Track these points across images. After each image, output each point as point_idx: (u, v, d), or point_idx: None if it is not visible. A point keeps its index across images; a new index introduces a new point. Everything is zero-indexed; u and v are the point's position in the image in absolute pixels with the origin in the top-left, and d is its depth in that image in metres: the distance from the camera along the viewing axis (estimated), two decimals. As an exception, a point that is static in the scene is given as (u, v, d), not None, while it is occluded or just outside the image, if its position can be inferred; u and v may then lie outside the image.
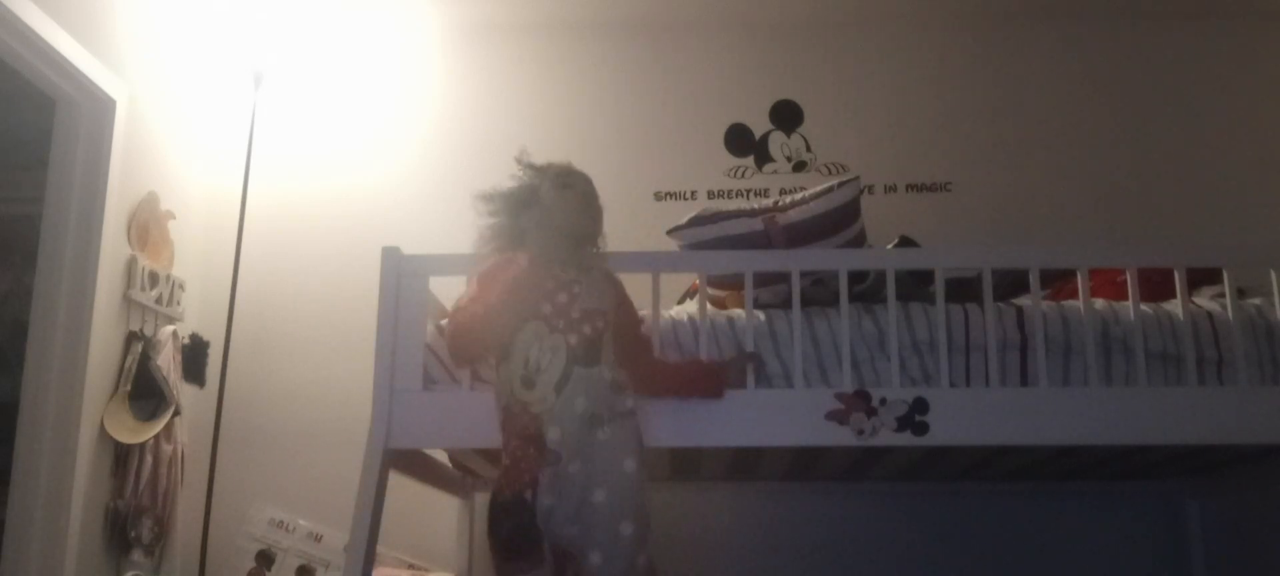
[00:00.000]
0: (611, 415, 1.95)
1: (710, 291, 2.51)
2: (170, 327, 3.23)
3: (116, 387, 3.01)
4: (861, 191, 2.63)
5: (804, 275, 2.30)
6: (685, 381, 2.18)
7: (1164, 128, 3.65)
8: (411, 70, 3.76)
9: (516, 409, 1.95)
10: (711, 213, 2.49)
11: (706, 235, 2.44)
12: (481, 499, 3.21)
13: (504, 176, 3.66)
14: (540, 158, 2.23)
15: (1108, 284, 2.53)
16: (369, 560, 2.09)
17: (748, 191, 3.62)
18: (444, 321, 2.32)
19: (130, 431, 2.99)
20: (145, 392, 3.06)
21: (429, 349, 2.26)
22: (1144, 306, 2.29)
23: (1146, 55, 3.72)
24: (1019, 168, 3.63)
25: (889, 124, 3.68)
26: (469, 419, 2.13)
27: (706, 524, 3.29)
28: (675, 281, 2.86)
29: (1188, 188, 3.58)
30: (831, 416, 2.18)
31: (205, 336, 3.38)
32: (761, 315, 2.30)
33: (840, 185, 2.49)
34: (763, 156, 3.68)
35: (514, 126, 3.69)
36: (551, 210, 2.07)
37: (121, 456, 3.00)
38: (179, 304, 3.31)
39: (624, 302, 2.14)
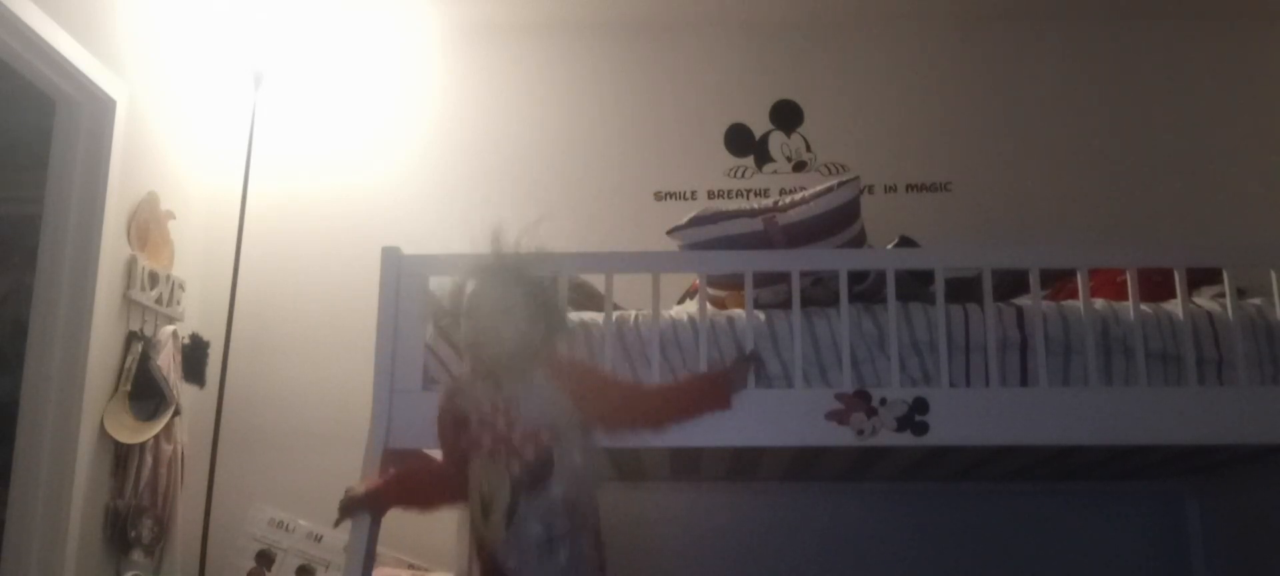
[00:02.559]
0: (568, 533, 1.91)
1: (710, 291, 2.51)
2: (170, 327, 3.23)
3: (116, 387, 3.01)
4: (861, 191, 2.63)
5: (804, 275, 2.30)
6: (690, 400, 2.14)
7: (1164, 128, 3.65)
8: (411, 70, 3.76)
9: (479, 541, 1.96)
10: (711, 213, 2.49)
11: (706, 235, 2.44)
12: None
13: (503, 176, 3.69)
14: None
15: (1108, 284, 2.53)
16: (369, 560, 2.09)
17: (748, 191, 3.62)
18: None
19: (130, 431, 2.99)
20: (145, 392, 3.06)
21: (429, 349, 2.26)
22: (1144, 306, 2.29)
23: (1146, 55, 3.72)
24: (1019, 168, 3.63)
25: (889, 124, 3.69)
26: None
27: (706, 524, 3.29)
28: (675, 281, 2.86)
29: (1188, 188, 3.58)
30: (831, 416, 2.18)
31: (205, 336, 3.38)
32: (761, 315, 2.30)
33: (840, 185, 2.49)
34: (763, 156, 3.68)
35: (514, 126, 3.70)
36: (467, 339, 2.01)
37: (121, 456, 3.00)
38: (179, 304, 3.31)
39: (581, 382, 2.03)
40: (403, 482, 2.11)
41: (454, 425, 2.00)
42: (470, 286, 2.01)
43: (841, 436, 2.17)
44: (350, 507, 2.05)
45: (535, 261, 2.02)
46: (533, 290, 2.01)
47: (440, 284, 2.12)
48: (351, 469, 2.22)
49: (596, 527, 1.99)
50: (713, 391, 2.15)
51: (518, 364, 1.99)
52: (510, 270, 2.00)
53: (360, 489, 2.06)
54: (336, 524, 2.07)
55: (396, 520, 2.16)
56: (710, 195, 3.62)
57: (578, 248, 2.17)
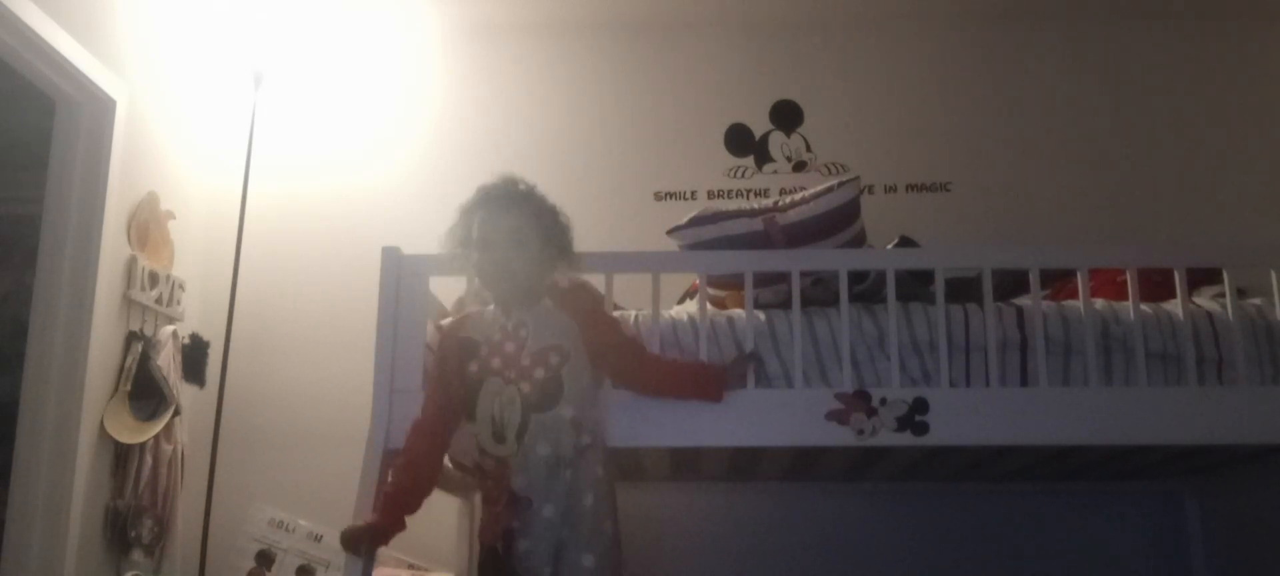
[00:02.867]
0: (573, 454, 1.95)
1: (710, 291, 2.51)
2: (170, 327, 3.23)
3: (116, 387, 3.01)
4: (861, 191, 2.63)
5: (804, 275, 2.30)
6: (685, 382, 2.17)
7: (1164, 128, 3.65)
8: (411, 70, 3.76)
9: (489, 463, 1.98)
10: (711, 212, 2.49)
11: (706, 235, 2.44)
12: (481, 499, 3.21)
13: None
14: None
15: (1108, 284, 2.53)
16: (369, 560, 2.09)
17: (748, 191, 3.62)
18: (445, 322, 2.32)
19: (130, 431, 2.99)
20: (145, 392, 3.06)
21: (429, 349, 2.26)
22: (1144, 306, 2.29)
23: (1146, 55, 3.72)
24: (1019, 168, 3.63)
25: (889, 124, 3.69)
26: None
27: (706, 524, 3.29)
28: (675, 281, 2.86)
29: (1188, 188, 3.58)
30: (831, 416, 2.18)
31: (205, 336, 3.38)
32: (761, 315, 2.30)
33: (840, 185, 2.49)
34: (763, 156, 3.68)
35: (514, 126, 3.70)
36: (478, 269, 2.08)
37: (121, 456, 3.00)
38: (179, 304, 3.31)
39: (591, 318, 2.09)
40: (397, 498, 2.05)
41: (460, 352, 2.03)
42: (480, 216, 2.05)
43: (841, 436, 2.18)
44: (353, 544, 2.00)
45: (539, 194, 2.10)
46: (543, 218, 2.07)
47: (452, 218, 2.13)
48: (351, 469, 2.22)
49: (604, 449, 2.02)
50: (708, 383, 2.17)
51: (528, 292, 2.05)
52: (521, 196, 2.07)
53: (359, 525, 2.02)
54: (348, 562, 2.05)
55: (396, 520, 2.15)
56: (710, 195, 3.62)
57: (578, 248, 2.17)
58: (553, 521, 1.90)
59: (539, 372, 1.97)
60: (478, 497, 3.14)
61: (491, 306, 2.09)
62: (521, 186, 2.09)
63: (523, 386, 1.96)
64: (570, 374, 1.99)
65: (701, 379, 2.17)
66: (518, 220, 2.04)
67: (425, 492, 2.06)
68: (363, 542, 2.00)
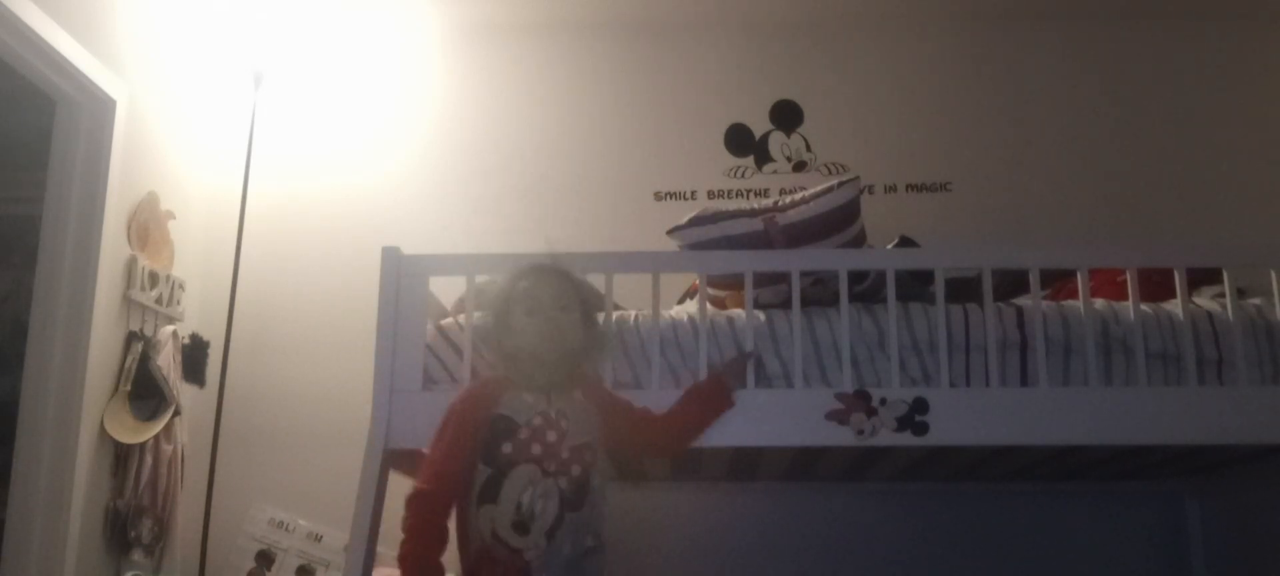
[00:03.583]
0: (587, 554, 1.93)
1: (710, 291, 2.51)
2: (170, 327, 3.23)
3: (116, 387, 3.01)
4: (861, 191, 2.63)
5: (804, 275, 2.30)
6: (698, 414, 2.15)
7: (1164, 128, 3.65)
8: (411, 70, 3.76)
9: (501, 552, 1.88)
10: (711, 213, 2.49)
11: (706, 235, 2.44)
12: None
13: (503, 176, 3.69)
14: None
15: (1108, 284, 2.53)
16: (369, 560, 2.09)
17: (748, 191, 3.62)
18: (445, 321, 2.32)
19: (130, 431, 2.99)
20: (145, 392, 3.06)
21: (429, 349, 2.26)
22: (1144, 306, 2.29)
23: (1146, 55, 3.72)
24: (1019, 168, 3.63)
25: (889, 124, 3.69)
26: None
27: (706, 524, 3.29)
28: (675, 281, 2.86)
29: (1188, 188, 3.58)
30: (831, 416, 2.18)
31: (205, 336, 3.38)
32: (761, 315, 2.30)
33: (840, 185, 2.49)
34: (763, 156, 3.68)
35: (514, 126, 3.70)
36: (520, 337, 1.95)
37: (121, 456, 3.00)
38: (179, 304, 3.31)
39: (609, 404, 2.06)
40: (419, 560, 1.92)
41: (493, 427, 1.93)
42: (524, 283, 1.98)
43: (841, 436, 2.18)
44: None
45: (577, 264, 2.03)
46: (584, 295, 2.02)
47: (482, 283, 2.07)
48: (351, 469, 2.22)
49: (605, 552, 2.00)
50: (715, 398, 2.16)
51: (566, 373, 1.98)
52: (562, 270, 2.01)
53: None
54: (348, 562, 2.01)
55: (396, 520, 2.15)
56: (710, 195, 3.62)
57: (578, 248, 2.17)
58: None
59: (576, 469, 1.92)
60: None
61: (527, 393, 1.96)
62: (562, 260, 2.03)
63: (562, 482, 1.89)
64: (597, 473, 1.96)
65: (708, 398, 2.16)
66: (562, 287, 1.99)
67: (442, 551, 1.93)
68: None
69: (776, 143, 3.68)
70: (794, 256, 2.32)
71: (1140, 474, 3.02)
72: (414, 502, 1.91)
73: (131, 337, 3.07)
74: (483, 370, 2.16)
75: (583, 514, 1.91)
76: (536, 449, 1.91)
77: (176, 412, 3.12)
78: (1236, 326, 2.24)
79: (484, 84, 3.75)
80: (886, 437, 2.17)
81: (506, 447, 1.91)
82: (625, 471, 2.94)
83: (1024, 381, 2.25)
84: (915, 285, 2.38)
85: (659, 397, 2.17)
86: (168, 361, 3.14)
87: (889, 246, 2.73)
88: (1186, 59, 3.72)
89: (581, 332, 1.98)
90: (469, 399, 1.98)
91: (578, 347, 1.98)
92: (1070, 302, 2.33)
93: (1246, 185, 3.58)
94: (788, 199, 2.53)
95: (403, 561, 1.88)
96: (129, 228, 3.09)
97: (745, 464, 2.85)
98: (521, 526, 1.87)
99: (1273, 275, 2.29)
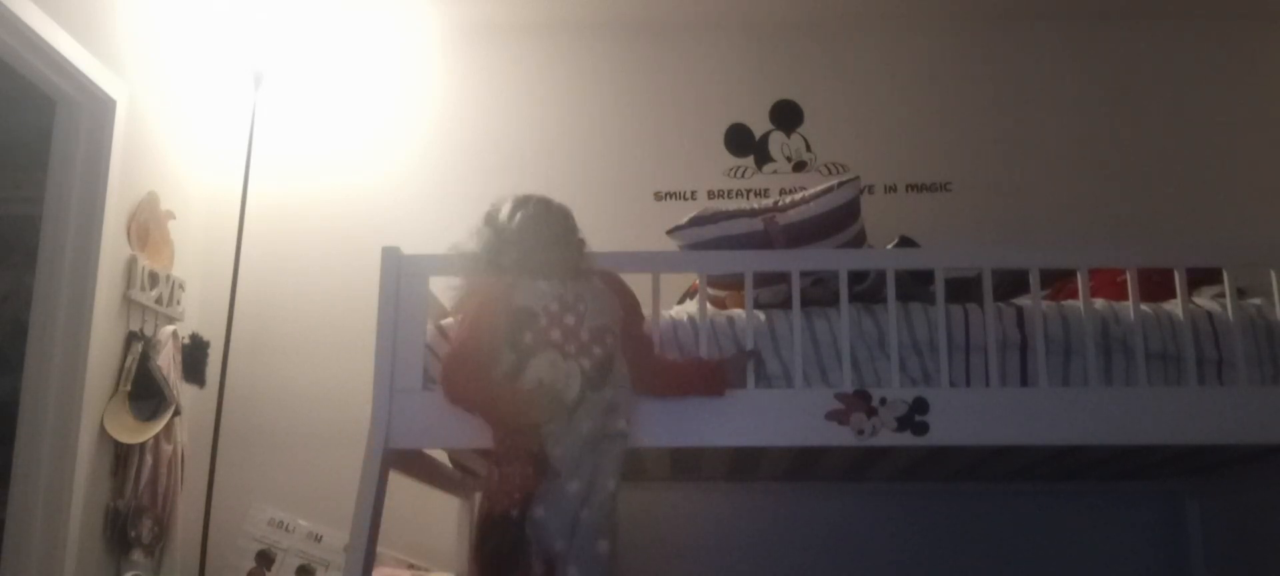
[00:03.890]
0: (606, 435, 1.98)
1: (710, 291, 2.51)
2: (170, 327, 3.23)
3: (116, 387, 3.01)
4: (861, 191, 2.63)
5: (804, 275, 2.30)
6: (687, 380, 2.19)
7: (1164, 128, 3.65)
8: (411, 70, 3.76)
9: (520, 436, 1.96)
10: (711, 213, 2.49)
11: (706, 235, 2.44)
12: (482, 499, 3.21)
13: (503, 175, 3.69)
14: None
15: (1108, 284, 2.53)
16: (369, 560, 2.09)
17: (748, 191, 3.62)
18: (445, 321, 2.32)
19: (130, 431, 2.99)
20: (145, 392, 3.06)
21: (429, 349, 2.26)
22: (1144, 306, 2.29)
23: (1146, 55, 3.72)
24: (1019, 168, 3.63)
25: (889, 124, 3.69)
26: (469, 419, 2.13)
27: (706, 524, 3.29)
28: (675, 281, 2.86)
29: (1188, 188, 3.58)
30: (831, 416, 2.18)
31: (205, 336, 3.38)
32: (761, 315, 2.30)
33: (840, 185, 2.49)
34: (763, 156, 3.68)
35: (514, 126, 3.70)
36: (520, 233, 2.09)
37: (121, 456, 3.00)
38: (179, 304, 3.31)
39: (630, 306, 2.16)
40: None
41: (514, 319, 2.01)
42: (508, 206, 2.13)
43: (841, 436, 2.18)
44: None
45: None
46: (544, 207, 2.15)
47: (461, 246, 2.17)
48: (351, 469, 2.22)
49: (627, 438, 2.04)
50: (709, 378, 2.19)
51: (569, 261, 2.09)
52: (527, 198, 2.14)
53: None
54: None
55: (396, 520, 2.16)
56: (710, 195, 3.62)
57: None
58: (575, 497, 1.92)
59: (597, 350, 2.01)
60: (477, 498, 3.16)
61: (542, 281, 2.06)
62: (555, 205, 2.19)
63: (583, 362, 1.99)
64: (618, 357, 2.04)
65: (703, 375, 2.19)
66: (552, 225, 2.13)
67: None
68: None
69: (776, 143, 3.68)
70: (794, 256, 2.32)
71: (1140, 474, 3.02)
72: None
73: (131, 337, 3.07)
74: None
75: (604, 393, 1.99)
76: (556, 333, 2.00)
77: (176, 412, 3.12)
78: (1236, 326, 2.24)
79: (484, 84, 3.75)
80: (886, 437, 2.17)
81: (527, 336, 2.00)
82: (626, 471, 2.94)
83: (1024, 381, 2.25)
84: (915, 285, 2.38)
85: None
86: (168, 361, 3.15)
87: (889, 246, 2.74)
88: (1186, 59, 3.71)
89: (568, 232, 2.13)
90: (487, 297, 2.06)
91: (566, 239, 2.11)
92: (1070, 303, 2.33)
93: (1246, 185, 3.58)
94: (788, 199, 2.53)
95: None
96: (129, 228, 3.09)
97: (745, 464, 2.85)
98: (541, 405, 1.95)
99: (1273, 275, 2.29)
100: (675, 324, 2.30)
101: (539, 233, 2.09)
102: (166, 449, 3.09)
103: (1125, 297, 2.28)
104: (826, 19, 3.76)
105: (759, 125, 3.70)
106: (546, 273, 2.07)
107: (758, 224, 2.43)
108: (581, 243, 2.16)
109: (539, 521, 1.90)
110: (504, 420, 1.99)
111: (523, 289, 2.05)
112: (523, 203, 2.13)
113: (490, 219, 2.14)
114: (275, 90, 3.55)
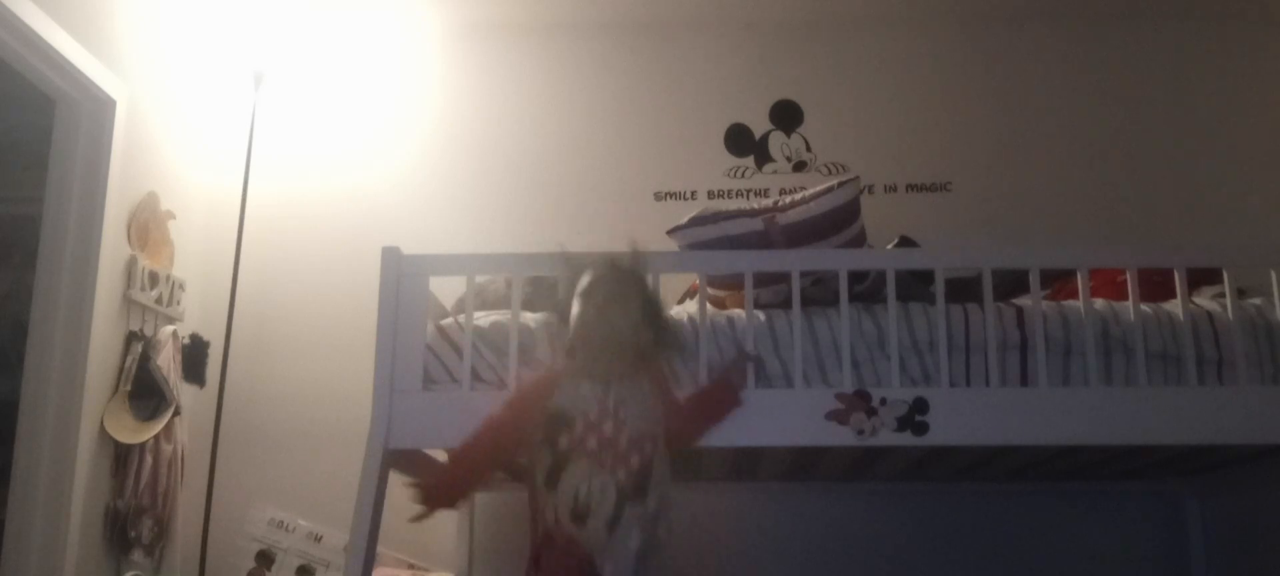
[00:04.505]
0: (655, 546, 1.96)
1: (710, 291, 2.51)
2: (170, 327, 3.23)
3: (116, 387, 3.01)
4: (861, 191, 2.63)
5: (804, 275, 2.30)
6: (710, 411, 2.15)
7: (1164, 128, 3.65)
8: (411, 70, 3.76)
9: (563, 541, 1.93)
10: (711, 213, 2.49)
11: (706, 235, 2.44)
12: (482, 499, 3.21)
13: (503, 175, 3.69)
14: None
15: (1108, 284, 2.53)
16: (369, 560, 2.09)
17: (748, 191, 3.62)
18: (445, 321, 2.32)
19: (130, 431, 2.99)
20: (145, 392, 3.06)
21: (429, 349, 2.26)
22: (1144, 306, 2.29)
23: (1146, 55, 3.72)
24: (1019, 168, 3.63)
25: (889, 124, 3.68)
26: (469, 419, 2.12)
27: (706, 524, 3.29)
28: (675, 281, 2.86)
29: (1188, 188, 3.58)
30: (831, 416, 2.18)
31: (205, 336, 3.38)
32: (761, 315, 2.30)
33: (840, 185, 2.49)
34: (763, 156, 3.68)
35: (514, 126, 3.70)
36: (574, 325, 2.02)
37: (121, 456, 3.00)
38: (179, 304, 3.31)
39: (670, 400, 2.08)
40: (465, 467, 2.07)
41: (549, 424, 1.97)
42: (587, 277, 2.05)
43: (841, 436, 2.18)
44: (433, 502, 2.02)
45: (647, 264, 2.10)
46: (648, 293, 2.08)
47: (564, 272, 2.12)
48: (351, 469, 2.22)
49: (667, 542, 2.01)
50: (725, 396, 2.16)
51: (625, 363, 2.01)
52: (628, 270, 2.07)
53: (431, 483, 2.04)
54: (419, 518, 2.04)
55: (397, 520, 2.15)
56: (710, 195, 3.62)
57: (578, 247, 2.17)
58: None
59: (635, 460, 1.94)
60: (478, 498, 3.16)
61: (586, 382, 2.00)
62: (628, 259, 2.10)
63: (619, 474, 1.93)
64: (658, 462, 1.98)
65: (719, 397, 2.16)
66: (624, 285, 2.05)
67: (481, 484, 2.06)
68: (438, 503, 2.02)
69: (776, 143, 3.68)
70: (794, 256, 2.32)
71: (1140, 474, 3.02)
72: (465, 451, 2.06)
73: (131, 337, 3.07)
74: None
75: (646, 504, 1.94)
76: (592, 443, 1.94)
77: (176, 412, 3.12)
78: (1236, 326, 2.24)
79: (484, 84, 3.75)
80: (886, 437, 2.17)
81: (563, 441, 1.95)
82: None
83: (1024, 381, 2.25)
84: (915, 285, 2.38)
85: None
86: (168, 361, 3.14)
87: (889, 246, 2.74)
88: (1186, 59, 3.71)
89: (636, 327, 2.02)
90: (529, 390, 2.05)
91: (629, 340, 2.01)
92: (1070, 303, 2.33)
93: (1246, 185, 3.58)
94: (788, 199, 2.53)
95: (431, 495, 2.02)
96: (129, 228, 3.09)
97: (745, 464, 2.85)
98: (579, 517, 1.91)
99: (1273, 275, 2.29)
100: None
101: (588, 329, 2.00)
102: (166, 449, 3.09)
103: (1125, 298, 2.28)
104: (826, 19, 3.76)
105: (759, 125, 3.70)
106: (596, 375, 2.00)
107: (758, 224, 2.42)
108: (647, 328, 2.04)
109: None
110: (537, 518, 1.98)
111: (564, 389, 2.01)
112: (585, 294, 2.02)
113: (567, 272, 2.07)
114: (275, 90, 3.55)
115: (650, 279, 2.13)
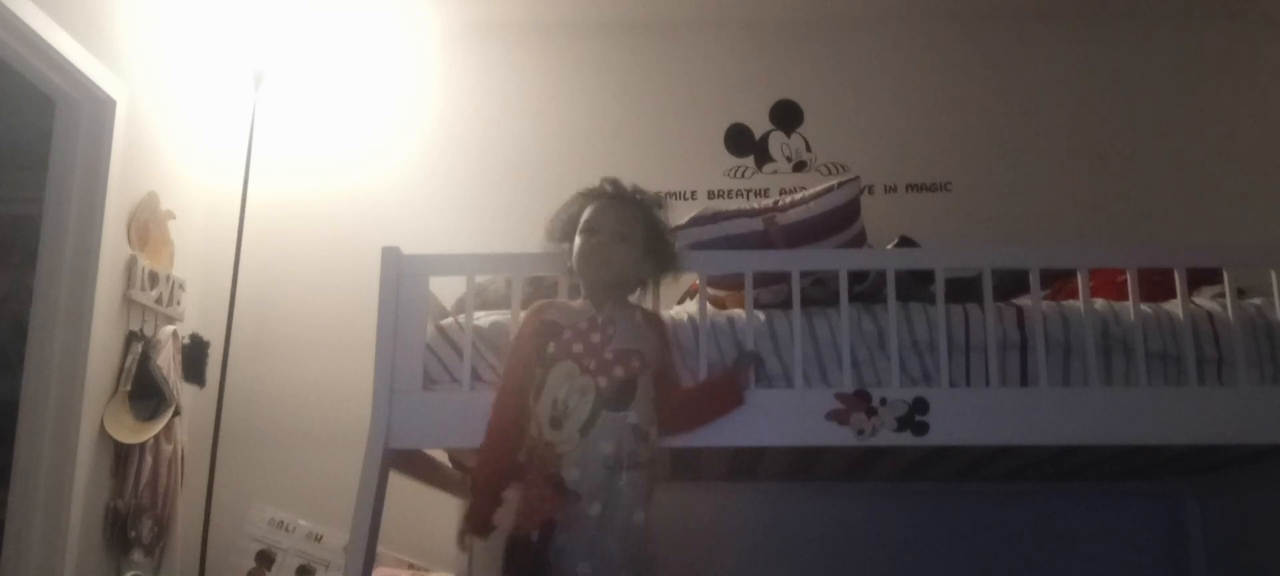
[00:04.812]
0: (632, 463, 1.93)
1: (710, 291, 2.51)
2: (170, 327, 3.23)
3: (116, 387, 3.01)
4: (861, 191, 2.63)
5: (804, 275, 2.30)
6: (709, 404, 2.15)
7: (1164, 128, 3.65)
8: (411, 70, 3.76)
9: (540, 448, 1.93)
10: (711, 213, 2.48)
11: (706, 235, 2.44)
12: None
13: (503, 175, 3.70)
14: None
15: (1108, 284, 2.53)
16: (369, 560, 2.09)
17: (748, 191, 3.62)
18: (445, 321, 2.33)
19: (130, 431, 2.99)
20: (145, 392, 3.06)
21: (429, 349, 2.26)
22: (1144, 306, 2.29)
23: (1146, 55, 3.73)
24: (1019, 168, 3.63)
25: (889, 124, 3.69)
26: (469, 419, 2.12)
27: (706, 524, 3.29)
28: (675, 281, 2.86)
29: (1188, 188, 3.58)
30: (831, 416, 2.18)
31: (205, 336, 3.38)
32: (761, 315, 2.30)
33: (840, 185, 2.49)
34: (763, 156, 3.68)
35: (514, 126, 3.70)
36: (578, 254, 2.07)
37: (121, 456, 3.00)
38: (179, 304, 3.31)
39: (666, 346, 2.11)
40: (491, 478, 2.01)
41: (539, 332, 2.01)
42: (592, 206, 2.09)
43: (841, 436, 2.17)
44: (472, 531, 1.97)
45: (654, 201, 2.13)
46: (652, 225, 2.11)
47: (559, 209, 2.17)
48: (351, 469, 2.22)
49: (658, 466, 2.02)
50: (728, 393, 2.16)
51: (621, 292, 2.06)
52: (634, 199, 2.11)
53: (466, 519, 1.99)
54: (465, 546, 2.02)
55: (396, 520, 2.15)
56: (710, 195, 3.62)
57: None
58: (597, 521, 1.87)
59: (619, 371, 1.95)
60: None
61: (580, 299, 2.08)
62: (638, 193, 2.14)
63: (600, 380, 1.94)
64: (644, 383, 1.98)
65: (722, 392, 2.15)
66: (628, 217, 2.08)
67: (511, 470, 1.98)
68: (473, 530, 1.96)
69: (776, 143, 3.68)
70: (794, 256, 2.32)
71: (1140, 474, 3.02)
72: (479, 457, 2.03)
73: (131, 337, 3.07)
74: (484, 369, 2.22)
75: (624, 415, 1.93)
76: (577, 347, 1.97)
77: (176, 412, 3.12)
78: (1236, 326, 2.23)
79: (484, 84, 3.75)
80: (886, 437, 2.17)
81: (551, 347, 1.98)
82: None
83: (1024, 381, 2.24)
84: (915, 285, 2.38)
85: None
86: (168, 361, 3.15)
87: (889, 246, 2.73)
88: (1186, 59, 3.72)
89: (638, 261, 2.07)
90: (525, 318, 2.07)
91: (630, 273, 2.07)
92: (1070, 303, 2.32)
93: (1246, 185, 3.58)
94: (788, 199, 2.53)
95: (466, 519, 1.98)
96: (129, 228, 3.09)
97: (745, 464, 2.85)
98: (556, 422, 1.92)
99: (1273, 275, 2.28)
100: (675, 324, 2.30)
101: (589, 264, 2.05)
102: (166, 449, 3.09)
103: (1125, 298, 2.28)
104: (826, 19, 3.76)
105: (759, 125, 3.70)
106: (591, 289, 2.07)
107: (758, 224, 2.42)
108: (649, 261, 2.10)
109: (561, 549, 1.84)
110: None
111: (557, 306, 2.07)
112: (591, 230, 2.06)
113: (569, 206, 2.13)
114: (275, 90, 3.55)
115: (655, 206, 2.16)
